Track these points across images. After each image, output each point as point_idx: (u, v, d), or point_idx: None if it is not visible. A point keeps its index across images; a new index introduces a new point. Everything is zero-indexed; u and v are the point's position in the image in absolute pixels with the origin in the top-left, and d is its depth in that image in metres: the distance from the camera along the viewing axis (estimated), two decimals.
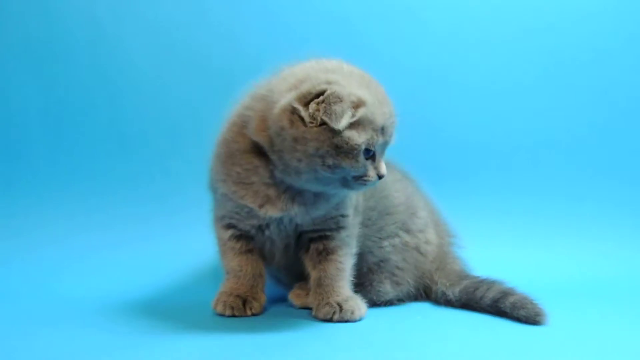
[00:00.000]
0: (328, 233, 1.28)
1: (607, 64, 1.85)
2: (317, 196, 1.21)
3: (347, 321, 1.24)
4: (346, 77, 1.13)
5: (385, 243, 1.38)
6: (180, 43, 1.80)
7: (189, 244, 1.68)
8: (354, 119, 1.09)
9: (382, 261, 1.37)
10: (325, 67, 1.16)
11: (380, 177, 1.16)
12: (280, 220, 1.25)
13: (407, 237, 1.39)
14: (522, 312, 1.26)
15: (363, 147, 1.11)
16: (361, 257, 1.34)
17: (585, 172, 1.81)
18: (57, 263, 1.63)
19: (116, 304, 1.40)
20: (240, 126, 1.19)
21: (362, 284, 1.36)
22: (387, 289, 1.38)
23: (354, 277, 1.32)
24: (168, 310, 1.36)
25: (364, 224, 1.34)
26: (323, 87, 1.09)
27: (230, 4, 1.83)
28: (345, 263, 1.30)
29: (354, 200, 1.29)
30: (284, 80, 1.15)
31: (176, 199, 1.77)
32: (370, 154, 1.14)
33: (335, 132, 1.08)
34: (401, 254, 1.39)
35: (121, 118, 1.81)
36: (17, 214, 1.74)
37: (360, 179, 1.14)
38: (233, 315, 1.27)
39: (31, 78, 1.79)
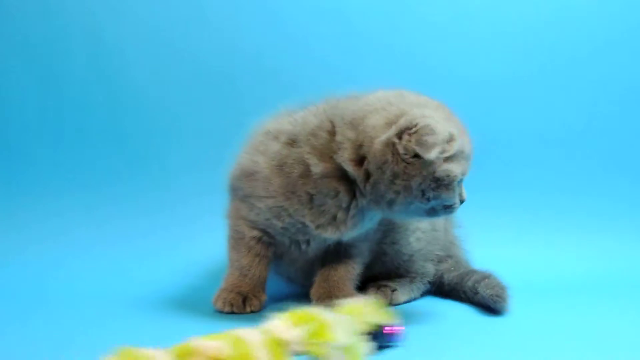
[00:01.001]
0: (358, 243, 1.31)
1: (607, 57, 1.82)
2: (366, 217, 1.23)
3: None
4: (436, 111, 1.15)
5: (411, 239, 1.40)
6: (179, 42, 1.78)
7: (188, 240, 1.68)
8: (449, 153, 1.11)
9: (412, 255, 1.40)
10: (416, 101, 1.16)
11: (462, 202, 1.18)
12: (326, 238, 1.26)
13: (425, 227, 1.41)
14: (487, 292, 1.31)
15: (460, 178, 1.13)
16: (390, 262, 1.39)
17: (584, 166, 1.80)
18: (56, 259, 1.62)
19: (116, 300, 1.41)
20: (322, 150, 1.18)
21: (403, 277, 1.40)
22: (430, 268, 1.43)
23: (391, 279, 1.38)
24: (166, 306, 1.36)
25: (389, 228, 1.37)
26: (418, 120, 1.10)
27: (228, 2, 1.81)
28: (355, 270, 1.32)
29: None
30: (377, 113, 1.14)
31: (174, 194, 1.76)
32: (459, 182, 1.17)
33: (434, 166, 1.10)
34: (424, 243, 1.42)
35: (120, 116, 1.79)
36: (16, 210, 1.73)
37: (449, 207, 1.16)
38: (232, 312, 1.27)
39: (29, 76, 1.77)
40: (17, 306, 1.37)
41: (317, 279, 1.31)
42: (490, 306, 1.30)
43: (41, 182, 1.76)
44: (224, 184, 1.60)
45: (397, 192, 1.12)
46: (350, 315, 0.98)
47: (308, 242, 1.28)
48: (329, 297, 1.26)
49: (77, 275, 1.56)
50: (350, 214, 1.20)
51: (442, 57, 1.81)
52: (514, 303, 1.30)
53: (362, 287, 1.36)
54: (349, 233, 1.24)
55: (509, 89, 1.82)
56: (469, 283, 1.37)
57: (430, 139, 1.08)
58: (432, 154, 1.08)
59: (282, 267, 1.38)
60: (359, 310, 1.00)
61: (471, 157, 1.17)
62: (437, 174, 1.10)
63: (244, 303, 1.28)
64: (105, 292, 1.47)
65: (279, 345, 0.83)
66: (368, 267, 1.36)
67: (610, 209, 1.76)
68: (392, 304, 1.34)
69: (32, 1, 1.77)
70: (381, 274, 1.39)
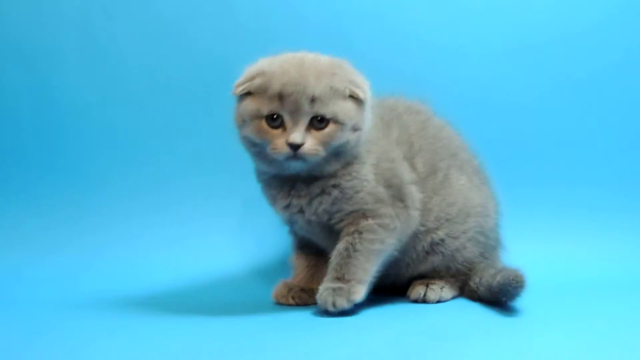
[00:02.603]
0: (356, 220, 1.26)
1: (618, 57, 1.78)
2: (311, 188, 1.23)
3: (326, 311, 1.23)
4: (277, 58, 1.22)
5: (468, 245, 1.37)
6: (173, 44, 1.78)
7: (182, 241, 1.72)
8: (245, 85, 1.19)
9: (466, 261, 1.38)
10: (276, 56, 1.24)
11: (290, 145, 1.16)
12: (295, 217, 1.28)
13: (482, 239, 1.39)
14: (502, 279, 1.27)
15: (264, 114, 1.17)
16: (448, 256, 1.36)
17: (604, 164, 1.77)
18: (45, 260, 1.67)
19: (108, 302, 1.42)
20: None
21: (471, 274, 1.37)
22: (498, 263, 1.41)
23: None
24: (157, 307, 1.36)
25: (442, 217, 1.34)
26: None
27: (221, 2, 1.79)
28: (360, 245, 1.25)
29: (380, 190, 1.26)
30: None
31: (167, 197, 1.76)
32: (277, 123, 1.17)
33: (240, 103, 1.21)
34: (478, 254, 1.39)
35: (113, 117, 1.79)
36: (9, 211, 1.77)
37: (271, 150, 1.17)
38: (279, 303, 1.34)
39: (23, 78, 1.79)
40: (18, 312, 1.36)
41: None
42: (508, 290, 1.26)
43: (34, 183, 1.77)
44: (219, 186, 1.70)
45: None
46: None
47: (293, 223, 1.32)
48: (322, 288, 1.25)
49: (66, 275, 1.59)
50: (278, 186, 1.26)
51: (445, 61, 1.78)
52: (529, 302, 1.28)
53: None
54: (304, 208, 1.25)
55: (510, 90, 1.79)
56: (483, 280, 1.33)
57: (241, 78, 1.20)
58: (237, 90, 1.20)
59: None
60: None
61: (289, 98, 1.15)
62: (240, 109, 1.21)
63: (288, 294, 1.34)
64: (97, 293, 1.48)
65: None
66: (422, 260, 1.35)
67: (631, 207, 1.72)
68: (440, 300, 1.34)
69: (25, 3, 1.78)
70: (440, 268, 1.37)
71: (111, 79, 1.79)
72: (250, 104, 1.19)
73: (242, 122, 1.21)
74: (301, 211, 1.26)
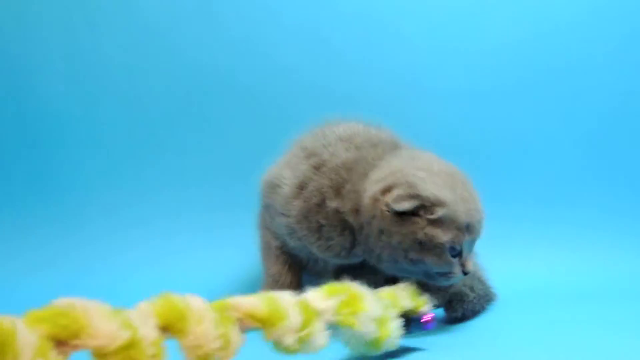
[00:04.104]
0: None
1: (604, 66, 1.79)
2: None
3: None
4: (433, 176, 1.12)
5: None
6: (157, 55, 1.75)
7: (166, 255, 1.66)
8: (432, 216, 1.08)
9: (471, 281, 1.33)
10: (417, 164, 1.14)
11: (465, 273, 1.14)
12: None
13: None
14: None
15: (447, 245, 1.09)
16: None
17: (572, 177, 1.76)
18: (29, 273, 1.62)
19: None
20: (339, 187, 1.17)
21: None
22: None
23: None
24: None
25: None
26: (405, 179, 1.10)
27: (206, 10, 1.76)
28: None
29: None
30: (380, 169, 1.15)
31: (152, 209, 1.72)
32: (457, 252, 1.12)
33: (415, 226, 1.08)
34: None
35: (98, 125, 1.76)
36: None
37: (445, 275, 1.12)
38: None
39: (5, 86, 1.75)
40: None
41: None
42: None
43: (18, 195, 1.73)
44: (207, 198, 1.68)
45: (382, 248, 1.11)
46: (386, 297, 1.00)
47: (325, 260, 1.25)
48: None
49: (50, 289, 1.45)
50: (351, 253, 1.19)
51: (427, 71, 1.77)
52: (503, 313, 1.29)
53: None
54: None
55: (494, 100, 1.76)
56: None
57: (404, 192, 1.07)
58: (402, 206, 1.07)
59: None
60: (395, 294, 1.03)
61: (473, 231, 1.12)
62: (419, 236, 1.08)
63: None
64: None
65: (311, 312, 0.86)
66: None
67: (601, 218, 1.70)
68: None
69: (6, 12, 1.74)
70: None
71: (96, 90, 1.75)
72: (439, 234, 1.09)
73: (419, 247, 1.10)
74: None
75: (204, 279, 1.54)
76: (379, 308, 0.92)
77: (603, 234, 1.68)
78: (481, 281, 1.36)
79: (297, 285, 1.28)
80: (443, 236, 1.08)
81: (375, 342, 0.92)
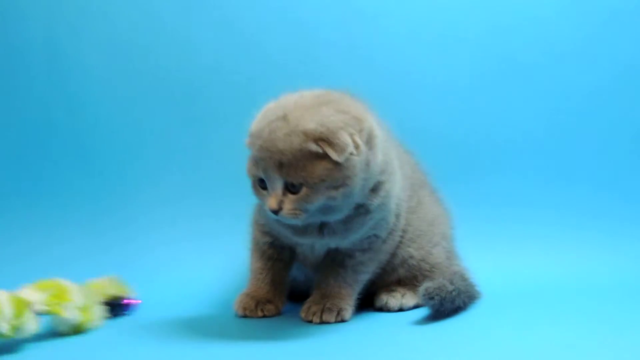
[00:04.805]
0: (356, 253, 1.26)
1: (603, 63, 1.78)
2: (347, 223, 1.19)
3: (326, 322, 1.23)
4: (262, 112, 1.16)
5: (434, 251, 1.37)
6: (140, 57, 1.74)
7: (152, 259, 1.63)
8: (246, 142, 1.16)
9: (433, 266, 1.37)
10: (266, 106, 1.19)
11: (271, 210, 1.12)
12: (312, 245, 1.26)
13: (445, 244, 1.41)
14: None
15: (251, 178, 1.15)
16: (414, 267, 1.35)
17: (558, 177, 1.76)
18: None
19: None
20: None
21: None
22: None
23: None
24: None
25: (415, 234, 1.35)
26: None
27: (188, 17, 1.74)
28: (350, 277, 1.27)
29: (390, 223, 1.27)
30: None
31: (137, 213, 1.70)
32: (263, 185, 1.14)
33: None
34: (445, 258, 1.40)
35: (82, 133, 1.73)
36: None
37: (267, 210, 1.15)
38: (245, 316, 1.28)
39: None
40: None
41: (314, 287, 1.29)
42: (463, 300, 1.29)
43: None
44: (191, 202, 1.70)
45: None
46: (93, 287, 1.24)
47: (312, 246, 1.27)
48: (319, 304, 1.25)
49: None
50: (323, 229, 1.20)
51: (405, 62, 1.76)
52: (487, 312, 1.31)
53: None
54: (331, 242, 1.23)
55: (489, 97, 1.77)
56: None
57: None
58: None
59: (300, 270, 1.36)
60: (102, 284, 1.27)
61: (261, 164, 1.12)
62: None
63: (256, 307, 1.28)
64: None
65: (23, 303, 1.06)
66: (390, 272, 1.35)
67: (585, 217, 1.72)
68: (401, 308, 1.33)
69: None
70: (407, 278, 1.36)
71: (78, 94, 1.72)
72: (248, 163, 1.17)
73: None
74: (321, 233, 1.21)
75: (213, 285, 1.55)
76: (83, 297, 1.14)
77: (588, 233, 1.69)
78: (463, 278, 1.36)
79: (280, 283, 1.31)
80: (249, 168, 1.15)
81: (80, 326, 1.14)
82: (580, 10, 1.77)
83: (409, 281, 1.35)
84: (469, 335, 1.17)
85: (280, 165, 1.10)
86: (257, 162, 1.12)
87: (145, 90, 1.74)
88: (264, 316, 1.28)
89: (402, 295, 1.34)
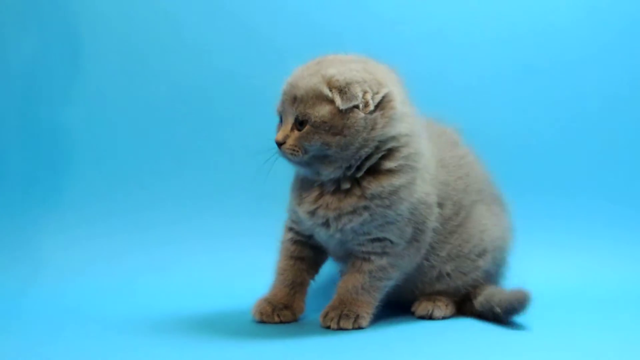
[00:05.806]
0: (372, 256, 1.26)
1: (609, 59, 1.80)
2: (342, 203, 1.22)
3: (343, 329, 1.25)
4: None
5: (475, 273, 1.37)
6: (153, 61, 1.77)
7: (169, 261, 1.67)
8: None
9: (471, 286, 1.38)
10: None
11: (276, 142, 1.20)
12: (320, 229, 1.26)
13: (493, 269, 1.41)
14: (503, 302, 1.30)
15: (278, 113, 1.24)
16: (451, 284, 1.36)
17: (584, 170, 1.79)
18: (31, 280, 1.59)
19: (91, 320, 1.37)
20: None
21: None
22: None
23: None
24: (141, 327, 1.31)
25: (453, 253, 1.34)
26: None
27: (204, 21, 1.77)
28: (368, 285, 1.27)
29: (406, 231, 1.26)
30: None
31: (153, 215, 1.73)
32: (280, 121, 1.23)
33: None
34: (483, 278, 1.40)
35: (99, 135, 1.76)
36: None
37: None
38: (262, 322, 1.29)
39: (5, 95, 1.74)
40: (45, 327, 1.32)
41: (335, 291, 1.30)
42: (513, 308, 1.29)
43: (16, 201, 1.71)
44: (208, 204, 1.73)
45: None
46: None
47: (327, 242, 1.28)
48: (336, 310, 1.26)
49: (52, 296, 1.52)
50: (313, 190, 1.24)
51: (422, 68, 1.74)
52: (534, 318, 1.30)
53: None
54: (330, 219, 1.23)
55: (504, 92, 1.80)
56: (488, 299, 1.34)
57: None
58: None
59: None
60: None
61: (282, 97, 1.21)
62: None
63: (272, 312, 1.29)
64: (78, 313, 1.43)
65: None
66: (429, 284, 1.35)
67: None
68: (444, 317, 1.35)
69: (9, 22, 1.75)
70: (446, 292, 1.37)
71: (93, 97, 1.76)
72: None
73: None
74: (326, 224, 1.24)
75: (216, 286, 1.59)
76: None
77: (604, 242, 1.71)
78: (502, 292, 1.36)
79: (300, 284, 1.33)
80: (277, 105, 1.24)
81: None
82: (596, 19, 1.80)
83: (449, 294, 1.38)
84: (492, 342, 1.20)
85: (294, 99, 1.19)
86: (281, 97, 1.22)
87: (159, 94, 1.76)
88: (281, 322, 1.30)
89: (447, 305, 1.36)
